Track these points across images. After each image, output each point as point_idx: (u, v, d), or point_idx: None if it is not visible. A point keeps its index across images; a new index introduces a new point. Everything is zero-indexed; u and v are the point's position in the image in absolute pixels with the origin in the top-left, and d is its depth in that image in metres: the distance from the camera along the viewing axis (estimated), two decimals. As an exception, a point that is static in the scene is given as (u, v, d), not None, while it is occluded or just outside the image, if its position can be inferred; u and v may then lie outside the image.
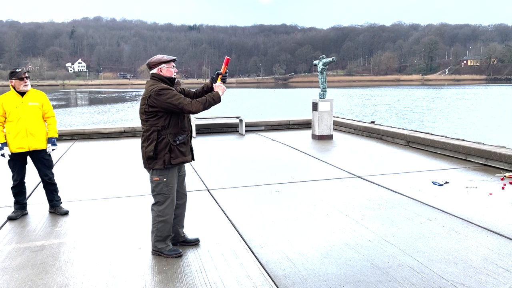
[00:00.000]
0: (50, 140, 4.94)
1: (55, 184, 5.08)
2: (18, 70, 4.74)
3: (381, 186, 6.02)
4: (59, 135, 10.81)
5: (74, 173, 7.14)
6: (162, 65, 3.65)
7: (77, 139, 10.98)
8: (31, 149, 4.80)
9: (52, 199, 5.05)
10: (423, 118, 27.55)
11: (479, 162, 7.25)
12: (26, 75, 4.77)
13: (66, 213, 4.97)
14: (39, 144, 4.83)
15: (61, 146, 9.88)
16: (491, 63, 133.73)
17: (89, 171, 7.29)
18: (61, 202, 5.13)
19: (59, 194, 5.13)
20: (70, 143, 10.40)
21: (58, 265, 3.61)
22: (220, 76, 3.86)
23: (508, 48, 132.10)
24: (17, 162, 4.85)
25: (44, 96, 4.97)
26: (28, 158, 4.98)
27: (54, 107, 42.43)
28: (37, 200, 5.55)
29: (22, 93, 4.76)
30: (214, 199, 5.53)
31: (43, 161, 4.93)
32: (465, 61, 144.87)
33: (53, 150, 4.98)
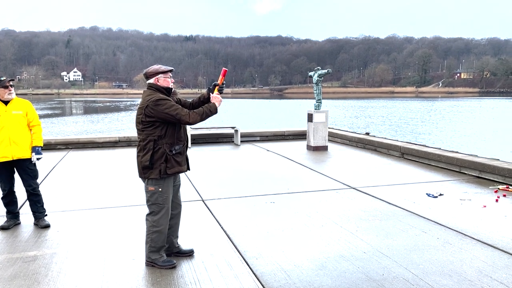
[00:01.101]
0: (34, 149, 4.82)
1: (39, 195, 4.95)
2: (2, 79, 4.66)
3: (376, 197, 6.03)
4: (53, 144, 10.82)
5: (68, 182, 7.09)
6: (160, 75, 3.66)
7: (71, 148, 10.93)
8: (14, 158, 4.70)
9: (35, 211, 4.92)
10: (417, 130, 27.73)
11: (473, 174, 7.29)
12: (11, 83, 4.72)
13: (47, 226, 4.81)
14: (23, 153, 4.74)
15: (55, 155, 9.82)
16: (484, 76, 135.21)
17: (83, 180, 7.24)
18: (46, 215, 4.99)
19: (44, 206, 4.99)
20: (64, 152, 10.35)
21: (50, 275, 3.57)
22: (217, 87, 3.87)
23: (501, 61, 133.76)
24: (2, 172, 4.77)
25: (29, 104, 4.90)
26: None
27: (49, 116, 42.29)
28: (30, 210, 5.49)
29: (6, 102, 4.70)
30: (209, 209, 5.51)
31: (27, 171, 4.82)
32: (458, 74, 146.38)
33: (38, 159, 4.85)
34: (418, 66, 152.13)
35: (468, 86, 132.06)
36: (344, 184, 6.87)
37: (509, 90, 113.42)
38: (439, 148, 8.89)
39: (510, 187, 6.39)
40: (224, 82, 3.91)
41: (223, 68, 3.94)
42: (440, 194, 6.10)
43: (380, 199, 5.92)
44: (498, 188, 6.36)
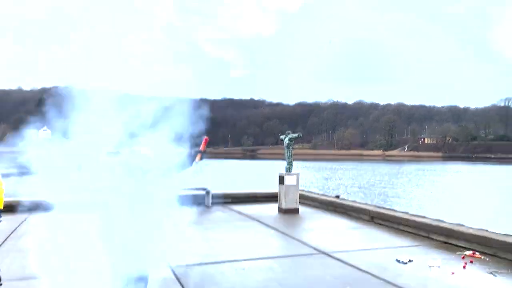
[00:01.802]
0: None
1: None
2: None
3: (347, 263, 5.99)
4: (11, 206, 10.27)
5: (29, 247, 6.70)
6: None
7: (35, 210, 10.42)
8: None
9: None
10: (386, 192, 28.25)
11: (440, 239, 7.40)
12: None
13: None
14: None
15: (16, 218, 9.31)
16: (447, 141, 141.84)
17: (45, 245, 6.86)
18: (1, 284, 4.71)
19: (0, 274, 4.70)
20: (26, 214, 9.83)
21: None
22: (199, 154, 4.00)
23: (461, 128, 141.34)
24: None
25: None
26: None
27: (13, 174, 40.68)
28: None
29: None
30: (177, 278, 5.30)
31: None
32: (422, 139, 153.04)
33: None
34: (385, 130, 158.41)
35: (432, 150, 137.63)
36: (315, 249, 6.81)
37: (470, 155, 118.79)
38: (407, 213, 9.05)
39: (476, 253, 6.50)
40: (206, 149, 4.06)
41: (205, 137, 4.11)
42: (410, 260, 6.12)
43: (352, 265, 5.88)
44: (465, 254, 6.45)
